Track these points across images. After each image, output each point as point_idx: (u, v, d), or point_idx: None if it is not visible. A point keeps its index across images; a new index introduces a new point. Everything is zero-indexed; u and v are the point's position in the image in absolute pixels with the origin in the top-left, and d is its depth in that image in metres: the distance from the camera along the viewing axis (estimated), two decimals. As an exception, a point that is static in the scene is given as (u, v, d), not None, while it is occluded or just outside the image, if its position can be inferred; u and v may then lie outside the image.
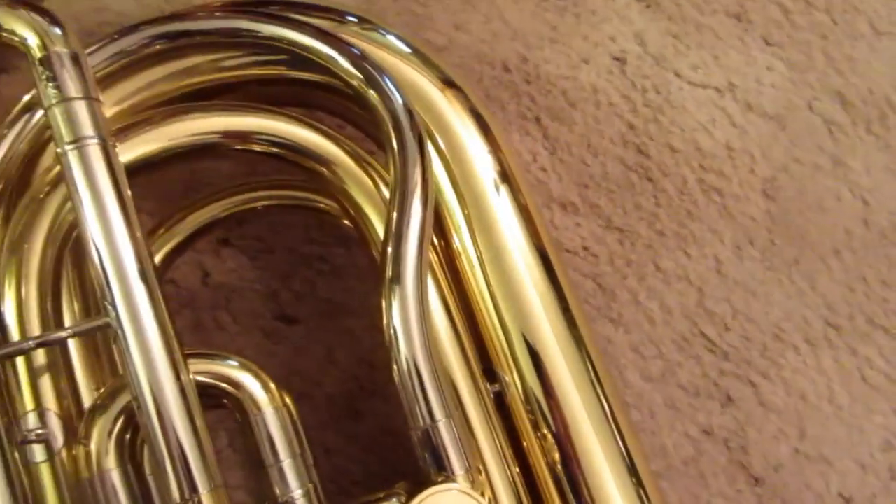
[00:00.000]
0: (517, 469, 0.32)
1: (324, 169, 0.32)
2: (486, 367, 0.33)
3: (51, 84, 0.26)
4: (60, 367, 0.29)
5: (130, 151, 0.30)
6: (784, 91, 0.42)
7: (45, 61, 0.26)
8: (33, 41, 0.26)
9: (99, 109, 0.27)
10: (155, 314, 0.26)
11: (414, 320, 0.28)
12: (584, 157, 0.41)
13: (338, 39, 0.31)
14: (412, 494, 0.27)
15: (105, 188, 0.26)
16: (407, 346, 0.28)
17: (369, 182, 0.32)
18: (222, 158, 0.35)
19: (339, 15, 0.34)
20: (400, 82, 0.31)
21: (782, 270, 0.41)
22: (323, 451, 0.38)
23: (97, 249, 0.26)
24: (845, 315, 0.40)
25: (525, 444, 0.32)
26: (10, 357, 0.27)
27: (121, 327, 0.26)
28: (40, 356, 0.29)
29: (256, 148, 0.31)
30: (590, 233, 0.41)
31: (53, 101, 0.26)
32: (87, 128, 0.26)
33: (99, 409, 0.27)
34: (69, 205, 0.30)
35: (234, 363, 0.29)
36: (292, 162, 0.32)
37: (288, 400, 0.29)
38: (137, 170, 0.30)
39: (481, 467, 0.30)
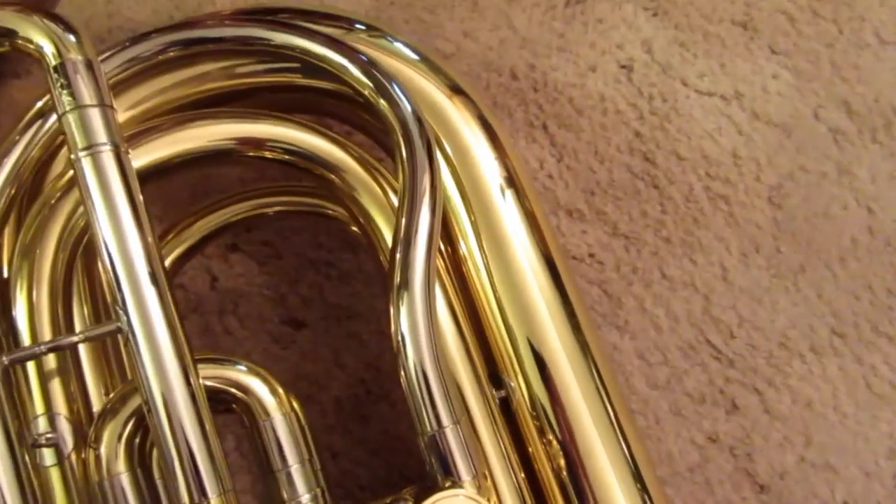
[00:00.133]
0: (523, 475, 0.32)
1: (333, 176, 0.32)
2: (492, 372, 0.33)
3: (65, 91, 0.26)
4: (71, 371, 0.29)
5: (143, 157, 0.30)
6: (790, 99, 0.42)
7: (60, 68, 0.27)
8: (48, 48, 0.27)
9: (112, 116, 0.27)
10: (166, 319, 0.26)
11: (422, 326, 0.28)
12: (591, 165, 0.42)
13: (348, 47, 0.32)
14: (419, 499, 0.27)
15: (118, 194, 0.26)
16: (415, 352, 0.28)
17: (378, 189, 0.32)
18: (233, 165, 0.35)
19: (347, 23, 0.35)
20: (408, 89, 0.32)
21: (788, 278, 0.41)
22: (330, 455, 0.38)
23: (109, 255, 0.26)
24: (851, 323, 0.41)
25: (530, 449, 0.32)
26: (23, 361, 0.28)
27: (132, 332, 0.26)
28: (51, 360, 0.29)
29: (268, 155, 0.32)
30: (596, 240, 0.41)
31: (67, 107, 0.27)
32: (101, 135, 0.26)
33: (109, 413, 0.28)
34: (81, 210, 0.30)
35: (243, 368, 0.29)
36: (302, 169, 0.32)
37: (296, 405, 0.30)
38: (149, 175, 0.30)
39: (487, 473, 0.30)
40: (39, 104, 0.31)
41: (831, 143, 0.42)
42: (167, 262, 0.33)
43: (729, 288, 0.41)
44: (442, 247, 0.34)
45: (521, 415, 0.32)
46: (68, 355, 0.29)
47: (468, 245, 0.33)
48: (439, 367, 0.28)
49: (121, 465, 0.27)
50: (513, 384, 0.32)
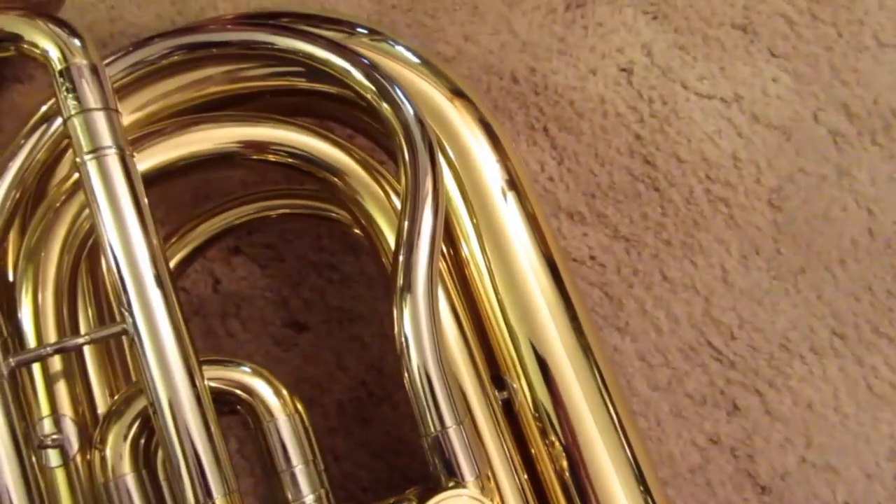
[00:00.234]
0: (525, 476, 0.32)
1: (336, 179, 0.32)
2: (494, 374, 0.33)
3: (70, 95, 0.27)
4: (76, 373, 0.29)
5: (147, 161, 0.30)
6: (790, 102, 0.43)
7: (65, 73, 0.27)
8: (54, 53, 0.27)
9: (117, 120, 0.27)
10: (171, 321, 0.26)
11: (425, 328, 0.28)
12: (592, 167, 0.42)
13: (351, 51, 0.32)
14: (422, 500, 0.27)
15: (123, 197, 0.26)
16: (418, 354, 0.28)
17: (380, 192, 0.32)
18: (236, 168, 0.35)
19: (349, 27, 0.35)
20: (409, 92, 0.32)
21: (788, 280, 0.41)
22: (332, 458, 0.38)
23: (115, 257, 0.26)
24: (851, 324, 0.41)
25: (533, 451, 0.32)
26: (29, 363, 0.28)
27: (137, 334, 0.26)
28: (56, 362, 0.29)
29: (271, 158, 0.32)
30: (597, 242, 0.41)
31: (73, 111, 0.27)
32: (106, 138, 0.27)
33: (114, 414, 0.28)
34: (85, 213, 0.30)
35: (248, 369, 0.29)
36: (305, 172, 0.32)
37: (299, 406, 0.30)
38: (153, 179, 0.30)
39: (490, 474, 0.31)
40: (44, 108, 0.31)
41: (831, 145, 0.42)
42: (170, 265, 0.34)
43: (729, 290, 0.41)
44: (444, 249, 0.34)
45: (524, 416, 0.32)
46: (73, 358, 0.29)
47: (470, 247, 0.34)
48: (442, 368, 0.28)
49: (126, 467, 0.27)
50: (515, 385, 0.32)
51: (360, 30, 0.35)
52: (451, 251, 0.34)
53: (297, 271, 0.40)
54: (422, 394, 0.28)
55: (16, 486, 0.25)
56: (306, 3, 0.42)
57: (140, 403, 0.28)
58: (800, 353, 0.40)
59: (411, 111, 0.31)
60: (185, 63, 0.32)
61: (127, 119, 0.32)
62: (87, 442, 0.28)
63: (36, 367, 0.29)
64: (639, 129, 0.42)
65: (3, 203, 0.30)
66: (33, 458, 0.26)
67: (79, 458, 0.28)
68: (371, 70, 0.31)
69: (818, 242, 0.41)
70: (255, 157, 0.32)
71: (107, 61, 0.31)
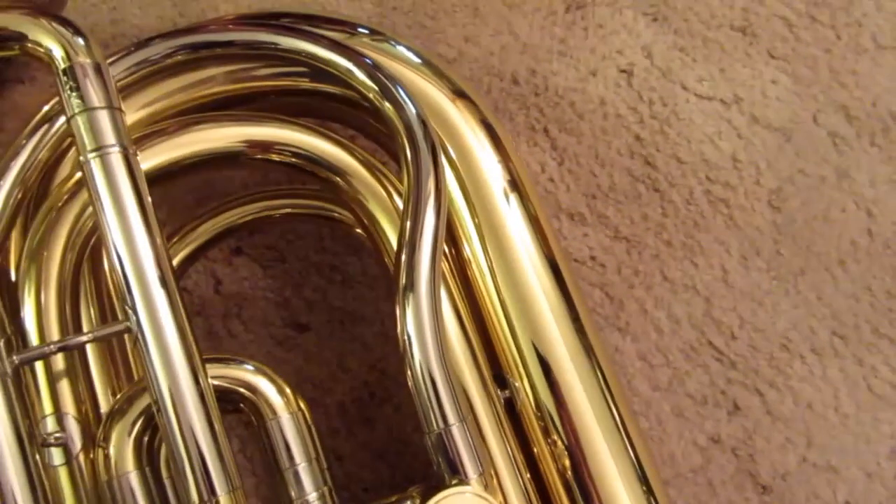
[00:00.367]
0: (528, 475, 0.32)
1: (338, 179, 0.32)
2: (496, 373, 0.33)
3: (74, 94, 0.27)
4: (79, 371, 0.29)
5: (150, 160, 0.31)
6: (789, 104, 0.43)
7: (69, 71, 0.27)
8: (58, 52, 0.27)
9: (121, 118, 0.27)
10: (174, 319, 0.26)
11: (427, 327, 0.28)
12: (592, 168, 0.42)
13: (353, 51, 0.32)
14: (426, 497, 0.28)
15: (126, 195, 0.26)
16: (421, 352, 0.28)
17: (383, 192, 0.32)
18: (240, 168, 0.35)
19: (350, 27, 0.35)
20: (411, 93, 0.32)
21: (788, 280, 0.41)
22: (334, 458, 0.38)
23: (118, 255, 0.26)
24: (851, 325, 0.41)
25: (535, 450, 0.32)
26: (32, 361, 0.28)
27: (141, 331, 0.26)
28: (59, 361, 0.29)
29: (274, 157, 0.32)
30: (597, 243, 0.41)
31: (76, 110, 0.27)
32: (110, 136, 0.27)
33: (118, 412, 0.28)
34: (88, 213, 0.30)
35: (251, 368, 0.29)
36: (308, 172, 0.32)
37: (302, 404, 0.30)
38: (156, 178, 0.31)
39: (493, 472, 0.31)
40: (46, 108, 0.32)
41: (830, 147, 0.43)
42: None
43: (730, 290, 0.41)
44: (446, 249, 0.34)
45: (526, 415, 0.32)
46: (76, 357, 0.29)
47: (472, 248, 0.34)
48: (445, 366, 0.28)
49: (129, 465, 0.27)
50: (517, 385, 0.32)
51: (361, 30, 0.35)
52: (453, 251, 0.34)
53: (298, 272, 0.40)
54: (425, 392, 0.28)
55: (20, 485, 0.25)
56: (307, 5, 0.42)
57: (143, 401, 0.28)
58: (800, 353, 0.40)
59: (414, 111, 0.31)
60: (188, 63, 0.32)
61: (130, 118, 0.32)
62: (90, 440, 0.28)
63: (39, 367, 0.29)
64: (639, 131, 0.42)
65: (5, 203, 0.30)
66: (37, 457, 0.26)
67: (82, 457, 0.28)
68: (374, 70, 0.31)
69: (818, 243, 0.42)
70: (257, 156, 0.32)
71: (110, 60, 0.31)
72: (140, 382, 0.28)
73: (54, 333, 0.29)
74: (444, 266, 0.33)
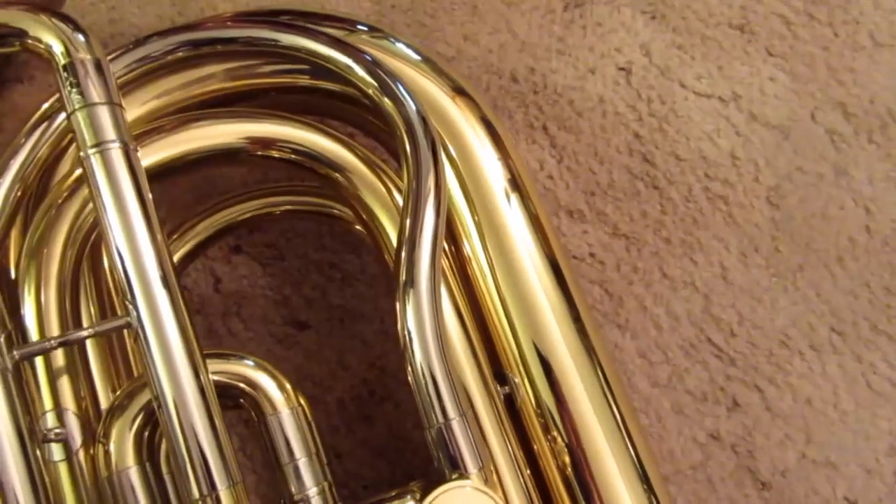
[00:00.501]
0: (528, 472, 0.32)
1: (338, 175, 0.32)
2: (496, 369, 0.33)
3: (74, 90, 0.27)
4: (79, 367, 0.29)
5: (150, 156, 0.31)
6: (787, 101, 0.43)
7: (69, 67, 0.27)
8: (58, 48, 0.27)
9: (121, 114, 0.27)
10: (175, 314, 0.26)
11: (428, 322, 0.28)
12: (591, 166, 0.42)
13: (353, 48, 0.32)
14: (426, 492, 0.28)
15: (127, 191, 0.26)
16: (421, 348, 0.28)
17: (383, 189, 0.33)
18: (240, 165, 0.35)
19: (350, 24, 0.35)
20: (411, 90, 0.32)
21: (787, 277, 0.41)
22: (334, 456, 0.38)
23: (118, 250, 0.26)
24: (850, 321, 0.41)
25: (535, 447, 0.32)
26: (33, 356, 0.28)
27: (141, 326, 0.26)
28: (59, 357, 0.29)
29: (274, 154, 0.32)
30: (597, 240, 0.41)
31: (76, 106, 0.27)
32: (110, 132, 0.27)
33: (118, 408, 0.28)
34: (88, 210, 0.30)
35: (251, 363, 0.29)
36: (308, 168, 0.32)
37: (302, 399, 0.30)
38: (156, 175, 0.31)
39: (493, 468, 0.31)
40: (45, 106, 0.32)
41: (828, 144, 0.43)
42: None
43: (729, 287, 0.41)
44: (446, 247, 0.34)
45: (526, 412, 0.32)
46: (76, 353, 0.29)
47: (472, 245, 0.34)
48: (445, 362, 0.28)
49: (129, 460, 0.27)
50: (517, 381, 0.32)
51: (360, 27, 0.35)
52: (453, 248, 0.34)
53: (298, 270, 0.40)
54: (425, 387, 0.28)
55: (20, 481, 0.25)
56: (306, 3, 0.43)
57: (144, 397, 0.28)
58: (799, 349, 0.41)
59: (413, 107, 0.31)
60: (188, 60, 0.32)
61: (130, 115, 0.32)
62: (90, 436, 0.28)
63: (39, 363, 0.29)
64: (638, 128, 0.42)
65: (5, 200, 0.30)
66: (37, 453, 0.26)
67: (82, 453, 0.28)
68: (373, 66, 0.31)
69: (816, 240, 0.42)
70: (257, 153, 0.32)
71: (110, 57, 0.31)
72: (140, 378, 0.28)
73: (54, 330, 0.29)
74: (445, 263, 0.33)
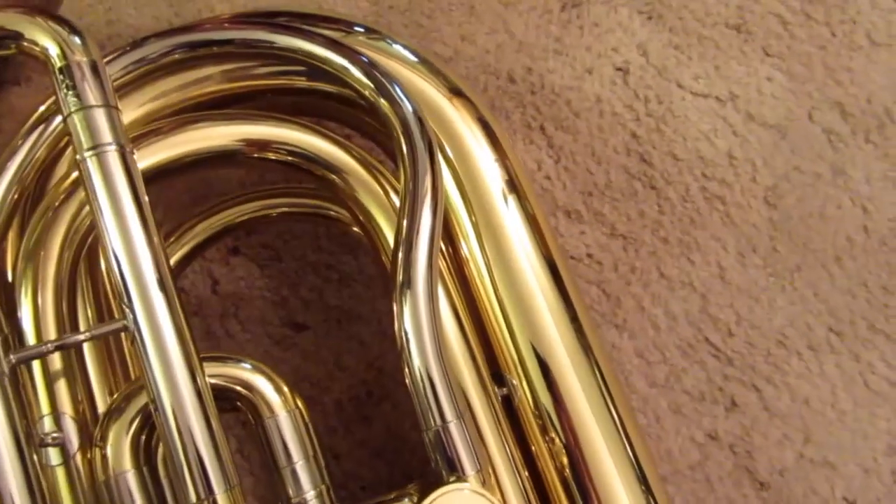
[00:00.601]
0: (526, 473, 0.32)
1: (335, 177, 0.32)
2: (494, 371, 0.33)
3: (70, 92, 0.27)
4: (76, 371, 0.29)
5: (147, 159, 0.30)
6: (784, 101, 0.43)
7: (66, 70, 0.27)
8: (54, 50, 0.27)
9: (117, 117, 0.27)
10: (171, 317, 0.26)
11: (425, 324, 0.28)
12: (589, 166, 0.42)
13: (350, 49, 0.32)
14: (424, 494, 0.28)
15: (123, 193, 0.26)
16: (418, 350, 0.28)
17: (379, 190, 0.32)
18: (236, 167, 0.35)
19: (347, 25, 0.35)
20: (408, 91, 0.32)
21: (785, 277, 0.41)
22: (332, 457, 0.38)
23: (115, 253, 0.26)
24: (847, 321, 0.41)
25: (534, 448, 0.32)
26: (30, 360, 0.28)
27: (138, 330, 0.26)
28: (56, 361, 0.29)
29: (271, 156, 0.32)
30: (594, 240, 0.41)
31: (73, 108, 0.27)
32: (106, 135, 0.27)
33: (115, 412, 0.28)
34: (84, 213, 0.30)
35: (248, 366, 0.29)
36: (304, 170, 0.32)
37: (300, 402, 0.30)
38: (153, 177, 0.31)
39: (491, 470, 0.31)
40: (42, 108, 0.32)
41: (825, 143, 0.43)
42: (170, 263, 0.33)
43: (726, 287, 0.41)
44: (443, 247, 0.34)
45: (524, 413, 0.32)
46: (73, 356, 0.29)
47: (469, 246, 0.34)
48: (443, 364, 0.28)
49: (127, 464, 0.27)
50: (515, 382, 0.32)
51: (357, 29, 0.35)
52: (451, 249, 0.34)
53: (295, 271, 0.40)
54: (422, 389, 0.28)
55: (18, 485, 0.25)
56: (303, 4, 0.42)
57: (141, 401, 0.28)
58: (797, 349, 0.41)
59: (410, 108, 0.31)
60: (184, 62, 0.32)
61: (127, 117, 0.32)
62: (87, 440, 0.28)
63: (36, 366, 0.29)
64: (635, 128, 0.42)
65: (2, 202, 0.30)
66: (34, 457, 0.26)
67: (79, 456, 0.28)
68: (370, 68, 0.31)
69: (814, 240, 0.42)
70: (254, 155, 0.32)
71: (107, 59, 0.31)
72: (137, 381, 0.28)
73: (51, 333, 0.29)
74: (442, 264, 0.33)
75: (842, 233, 0.42)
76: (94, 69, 0.27)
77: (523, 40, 0.43)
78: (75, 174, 0.30)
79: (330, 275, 0.40)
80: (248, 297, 0.40)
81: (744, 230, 0.42)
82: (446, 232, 0.34)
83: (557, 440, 0.32)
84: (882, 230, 0.42)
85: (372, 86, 0.31)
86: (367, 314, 0.40)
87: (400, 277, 0.29)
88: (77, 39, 0.27)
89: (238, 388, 0.29)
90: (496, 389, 0.32)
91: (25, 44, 0.28)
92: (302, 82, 0.34)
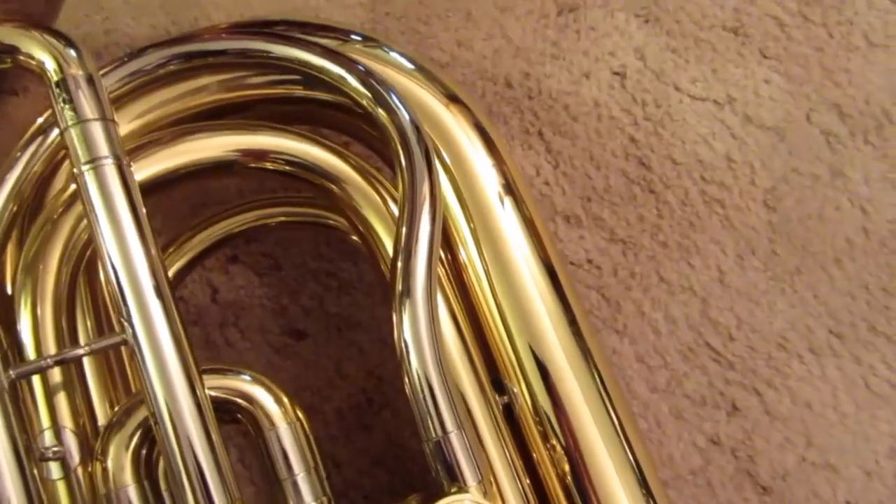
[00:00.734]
0: (527, 480, 0.32)
1: (333, 185, 0.32)
2: (494, 378, 0.33)
3: (67, 106, 0.27)
4: (76, 384, 0.29)
5: (144, 170, 0.30)
6: (782, 103, 0.43)
7: (62, 84, 0.27)
8: (50, 64, 0.27)
9: (114, 130, 0.27)
10: (171, 330, 0.26)
11: (424, 333, 0.28)
12: (587, 171, 0.42)
13: (346, 58, 0.32)
14: (425, 505, 0.28)
15: (121, 207, 0.26)
16: (418, 359, 0.28)
17: (377, 198, 0.32)
18: (234, 177, 0.35)
19: (343, 34, 0.35)
20: (405, 98, 0.32)
21: (784, 280, 0.41)
22: (333, 465, 0.38)
23: (113, 267, 0.26)
24: (848, 323, 0.41)
25: (535, 455, 0.32)
26: (29, 375, 0.28)
27: (137, 344, 0.26)
28: (56, 374, 0.29)
29: (269, 166, 0.32)
30: (593, 245, 0.41)
31: (69, 122, 0.27)
32: (103, 148, 0.27)
33: (115, 425, 0.28)
34: (83, 225, 0.30)
35: (248, 378, 0.29)
36: (302, 179, 0.32)
37: (300, 413, 0.30)
38: (151, 188, 0.30)
39: (492, 479, 0.31)
40: (40, 120, 0.31)
41: (824, 145, 0.43)
42: (169, 274, 0.33)
43: (726, 290, 0.41)
44: (442, 254, 0.34)
45: (525, 420, 0.32)
46: (73, 370, 0.29)
47: (468, 252, 0.34)
48: (443, 373, 0.28)
49: (128, 478, 0.27)
50: (515, 390, 0.32)
51: (354, 37, 0.35)
52: (449, 256, 0.34)
53: (295, 279, 0.40)
54: (422, 399, 0.28)
55: (18, 499, 0.25)
56: (300, 13, 0.42)
57: (141, 414, 0.28)
58: (798, 352, 0.41)
59: (407, 117, 0.31)
60: (181, 72, 0.32)
61: (124, 129, 0.32)
62: (88, 454, 0.28)
63: (36, 380, 0.29)
64: (633, 132, 0.42)
65: (0, 215, 0.30)
66: (35, 471, 0.26)
67: (80, 470, 0.28)
68: (366, 76, 0.31)
69: (813, 242, 0.42)
70: (252, 165, 0.32)
71: (103, 72, 0.31)
72: (137, 395, 0.28)
73: (51, 347, 0.29)
74: (441, 271, 0.33)
75: (841, 234, 0.42)
76: (91, 82, 0.27)
77: (520, 45, 0.43)
78: (73, 187, 0.30)
79: (329, 282, 0.40)
80: (248, 305, 0.40)
81: (743, 233, 0.41)
82: (445, 239, 0.34)
83: (558, 447, 0.32)
84: (881, 231, 0.42)
85: (369, 95, 0.31)
86: (367, 321, 0.40)
87: (399, 287, 0.29)
88: (73, 53, 0.27)
89: (238, 400, 0.29)
90: (497, 397, 0.32)
91: (21, 58, 0.28)
92: (299, 91, 0.34)
